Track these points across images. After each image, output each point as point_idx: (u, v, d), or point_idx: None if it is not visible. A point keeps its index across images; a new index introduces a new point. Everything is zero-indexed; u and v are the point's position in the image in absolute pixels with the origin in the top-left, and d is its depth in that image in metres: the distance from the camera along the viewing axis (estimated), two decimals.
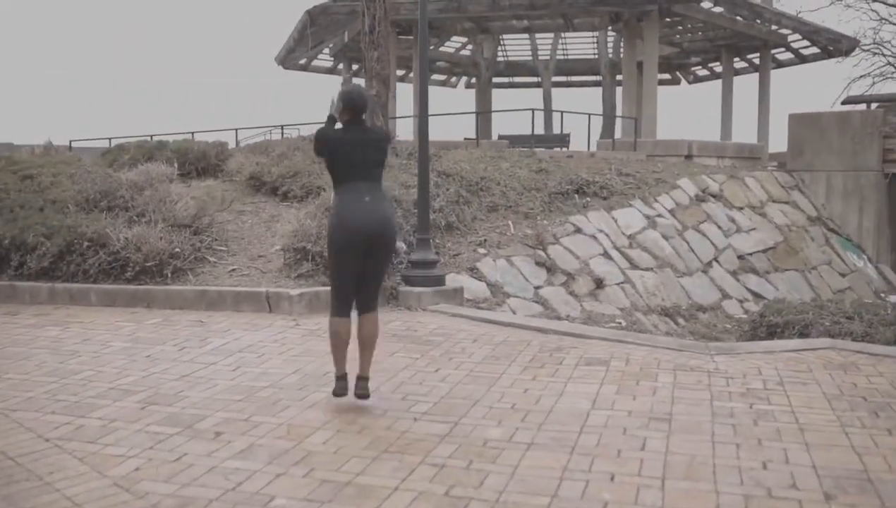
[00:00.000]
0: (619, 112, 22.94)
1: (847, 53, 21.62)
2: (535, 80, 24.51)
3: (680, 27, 20.39)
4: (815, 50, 21.75)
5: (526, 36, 23.90)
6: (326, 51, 23.87)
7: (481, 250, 9.59)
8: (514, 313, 8.53)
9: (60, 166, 9.88)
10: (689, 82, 28.20)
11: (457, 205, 10.29)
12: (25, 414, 4.40)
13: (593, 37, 25.62)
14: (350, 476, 3.54)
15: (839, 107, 17.81)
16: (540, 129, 22.24)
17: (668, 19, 18.31)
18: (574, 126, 22.91)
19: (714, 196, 14.29)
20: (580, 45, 26.17)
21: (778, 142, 23.91)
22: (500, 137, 21.19)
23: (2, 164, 9.92)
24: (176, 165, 10.41)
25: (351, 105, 4.50)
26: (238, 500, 3.29)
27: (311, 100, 71.93)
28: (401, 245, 8.50)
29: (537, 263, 9.92)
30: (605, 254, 10.97)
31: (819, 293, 13.85)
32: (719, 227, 13.49)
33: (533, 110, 16.49)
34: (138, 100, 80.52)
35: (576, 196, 11.91)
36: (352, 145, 4.46)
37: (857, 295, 14.63)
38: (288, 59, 23.34)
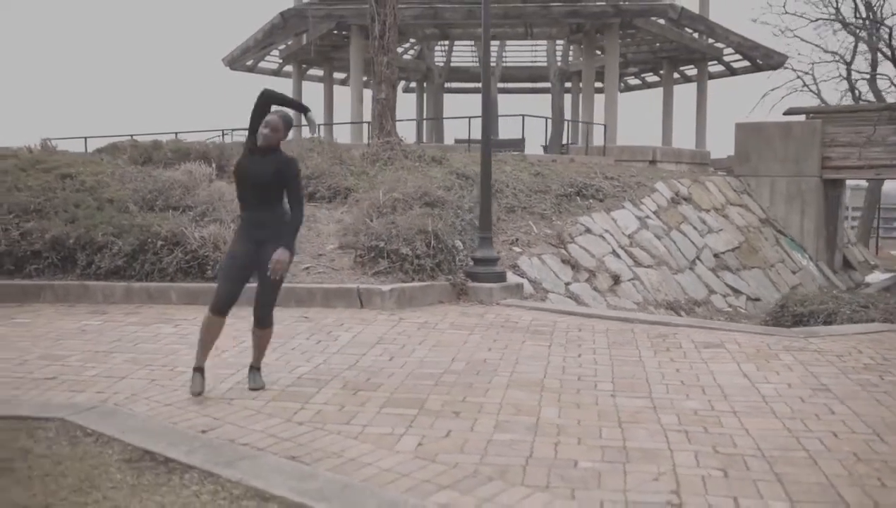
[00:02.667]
0: (569, 117, 23.89)
1: (776, 67, 23.37)
2: (477, 85, 25.20)
3: (629, 39, 21.45)
4: (746, 63, 23.31)
5: (472, 42, 24.48)
6: (276, 53, 23.75)
7: (516, 249, 10.07)
8: (565, 306, 9.05)
9: (91, 165, 9.73)
10: (620, 91, 29.54)
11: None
12: (249, 401, 4.59)
13: (533, 45, 26.54)
14: (621, 442, 3.97)
15: (782, 118, 19.28)
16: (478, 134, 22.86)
17: (622, 31, 19.27)
18: (512, 130, 23.64)
19: (685, 199, 15.26)
20: (522, 52, 27.04)
21: (712, 147, 25.31)
22: (457, 141, 21.73)
23: (24, 164, 9.66)
24: (214, 166, 10.38)
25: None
26: (547, 465, 3.66)
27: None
28: (458, 243, 8.89)
29: (563, 261, 10.49)
30: (614, 253, 11.66)
31: (779, 288, 15.04)
32: (695, 228, 14.45)
33: (523, 116, 17.06)
34: (70, 101, 76.94)
35: (578, 198, 12.56)
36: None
37: (807, 290, 15.95)
38: (239, 61, 23.11)
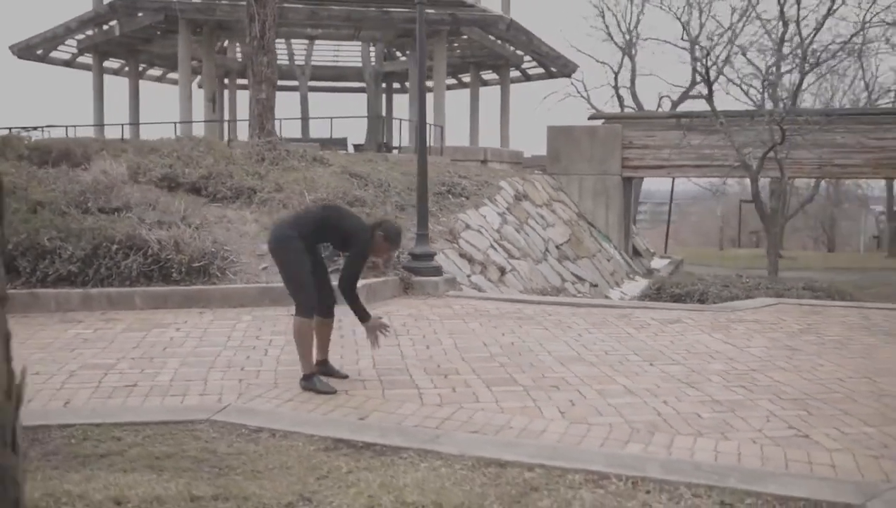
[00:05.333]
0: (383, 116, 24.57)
1: (569, 75, 25.80)
2: (293, 83, 25.11)
3: (446, 44, 22.62)
4: (541, 70, 25.50)
5: (282, 41, 24.39)
6: (73, 42, 22.01)
7: None
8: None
9: None
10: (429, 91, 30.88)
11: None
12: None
13: (336, 46, 26.94)
14: (710, 397, 4.86)
15: (588, 122, 21.45)
16: (297, 133, 23.03)
17: (450, 37, 20.37)
18: (321, 129, 23.84)
19: (525, 196, 16.67)
20: (325, 52, 27.30)
21: (519, 147, 27.27)
22: (311, 140, 21.69)
23: None
24: (124, 166, 9.86)
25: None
26: (680, 419, 4.45)
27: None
28: None
29: (460, 255, 11.27)
30: (493, 247, 12.64)
31: (604, 275, 16.97)
32: (537, 223, 15.88)
33: (331, 118, 17.34)
34: None
35: (450, 196, 13.38)
36: None
37: (620, 276, 18.12)
38: (31, 50, 21.11)
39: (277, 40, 24.07)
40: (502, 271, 11.94)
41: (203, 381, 5.09)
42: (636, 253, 22.85)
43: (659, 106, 33.16)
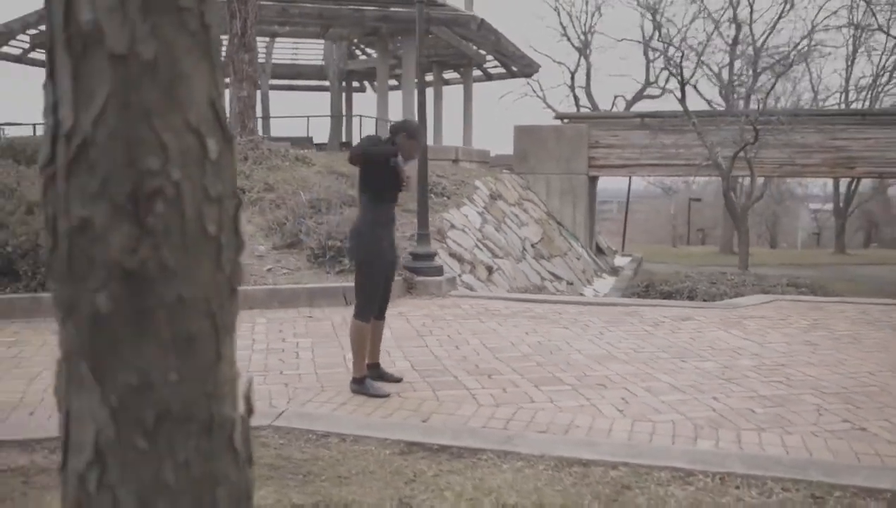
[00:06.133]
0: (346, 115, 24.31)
1: (530, 75, 25.98)
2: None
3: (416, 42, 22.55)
4: (502, 70, 25.61)
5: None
6: (26, 37, 21.23)
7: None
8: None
9: None
10: (390, 89, 30.70)
11: None
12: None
13: (295, 44, 26.63)
14: (755, 392, 4.95)
15: (554, 122, 21.63)
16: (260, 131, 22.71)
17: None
18: (285, 129, 23.47)
19: (499, 196, 16.73)
20: (286, 51, 26.95)
21: (486, 146, 27.32)
22: (278, 138, 21.35)
23: None
24: None
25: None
26: (738, 413, 4.52)
27: None
28: None
29: (450, 255, 11.25)
30: (477, 246, 12.65)
31: (576, 273, 17.14)
32: (513, 222, 15.96)
33: (298, 116, 17.18)
34: None
35: (433, 195, 13.33)
36: None
37: (590, 274, 18.33)
38: None
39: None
40: (490, 270, 11.97)
41: None
42: (599, 251, 23.15)
43: (613, 105, 33.72)
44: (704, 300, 10.08)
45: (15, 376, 5.11)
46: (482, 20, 18.11)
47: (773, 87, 17.03)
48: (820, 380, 5.25)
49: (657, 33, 25.59)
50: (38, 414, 4.38)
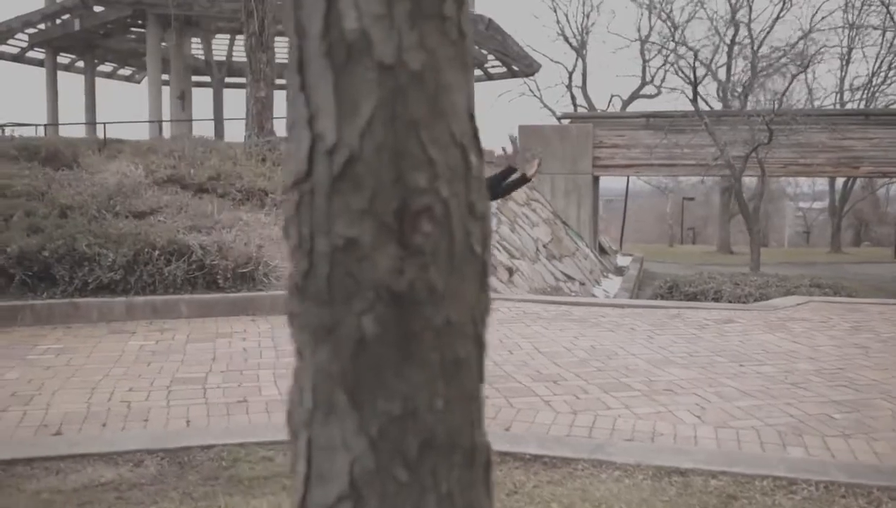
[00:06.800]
0: None
1: (531, 74, 25.96)
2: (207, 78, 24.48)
3: None
4: (503, 70, 25.59)
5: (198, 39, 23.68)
6: (24, 36, 20.98)
7: None
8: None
9: None
10: None
11: None
12: None
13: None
14: (827, 398, 4.92)
15: (558, 121, 21.64)
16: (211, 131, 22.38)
17: None
18: (282, 129, 23.10)
19: (509, 196, 16.69)
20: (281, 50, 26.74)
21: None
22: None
23: None
24: (141, 168, 9.44)
25: None
26: (819, 420, 4.50)
27: None
28: None
29: None
30: (497, 247, 12.60)
31: (584, 273, 17.13)
32: (525, 222, 15.92)
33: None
34: None
35: None
36: None
37: (597, 274, 18.32)
38: None
39: (195, 39, 23.33)
40: (510, 271, 11.92)
41: None
42: (602, 250, 23.17)
43: (609, 105, 33.78)
44: (730, 301, 10.07)
45: (74, 385, 5.00)
46: (490, 20, 18.06)
47: (788, 87, 17.02)
48: (885, 384, 5.24)
49: (672, 34, 25.49)
50: (110, 426, 4.29)
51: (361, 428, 1.28)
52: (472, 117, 1.27)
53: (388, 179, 1.24)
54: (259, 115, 12.00)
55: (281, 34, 23.63)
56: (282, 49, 23.93)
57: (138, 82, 28.36)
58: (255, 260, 7.43)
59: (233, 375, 5.28)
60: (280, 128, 12.92)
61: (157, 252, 7.15)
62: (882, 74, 30.71)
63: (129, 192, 8.10)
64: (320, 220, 1.24)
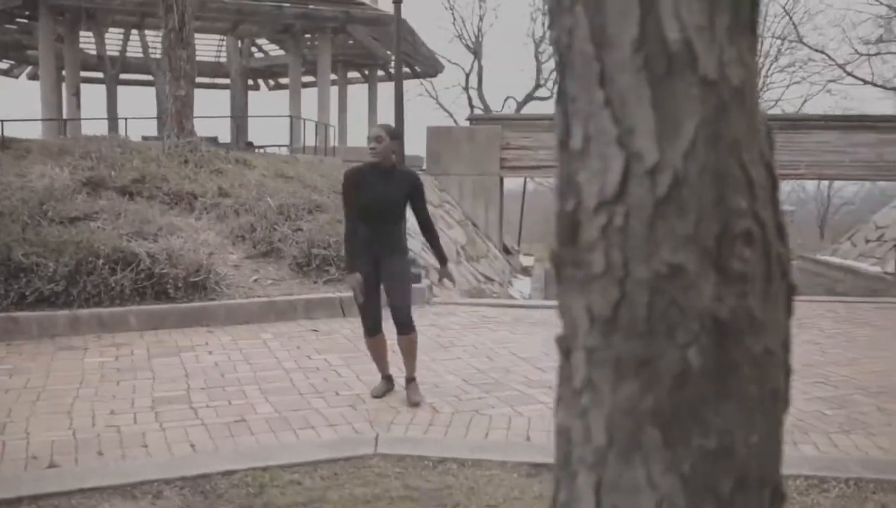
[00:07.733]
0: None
1: (434, 76, 26.03)
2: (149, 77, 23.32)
3: (310, 42, 22.00)
4: (406, 70, 25.52)
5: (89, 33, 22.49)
6: None
7: None
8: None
9: None
10: (270, 88, 29.84)
11: None
12: None
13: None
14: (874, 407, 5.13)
15: (466, 123, 21.71)
16: (154, 131, 21.60)
17: (332, 35, 19.83)
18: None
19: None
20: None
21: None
22: (144, 138, 20.26)
23: None
24: (67, 170, 8.76)
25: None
26: (858, 410, 4.68)
27: None
28: None
29: None
30: (424, 249, 12.50)
31: (498, 275, 17.30)
32: (443, 224, 15.91)
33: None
34: None
35: None
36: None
37: (508, 275, 18.57)
38: None
39: (85, 33, 22.10)
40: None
41: (313, 410, 4.68)
42: (506, 251, 23.49)
43: (503, 106, 34.34)
44: None
45: (46, 410, 4.59)
46: (404, 20, 17.92)
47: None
48: (855, 379, 5.50)
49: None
50: (108, 454, 3.95)
51: (672, 466, 1.22)
52: (769, 133, 1.23)
53: (709, 202, 1.17)
54: (179, 114, 11.44)
55: (201, 31, 22.73)
56: (201, 46, 22.96)
57: (16, 77, 26.57)
58: (205, 267, 7.07)
59: (216, 392, 4.99)
60: (200, 127, 12.40)
61: (101, 261, 6.68)
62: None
63: (59, 197, 7.53)
64: (638, 245, 1.16)
